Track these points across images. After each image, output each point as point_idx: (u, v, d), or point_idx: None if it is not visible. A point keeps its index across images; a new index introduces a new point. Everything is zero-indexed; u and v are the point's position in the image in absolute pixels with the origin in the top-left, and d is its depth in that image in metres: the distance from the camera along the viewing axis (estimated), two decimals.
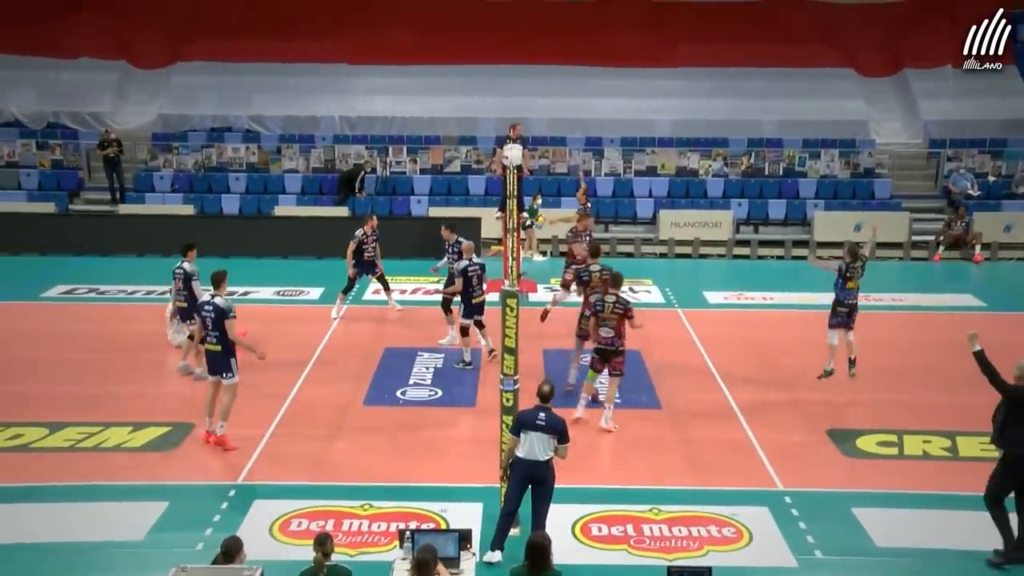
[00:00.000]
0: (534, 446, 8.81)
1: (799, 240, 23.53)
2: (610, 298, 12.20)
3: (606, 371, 12.36)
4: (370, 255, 17.03)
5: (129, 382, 13.92)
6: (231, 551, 7.47)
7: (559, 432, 8.87)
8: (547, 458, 8.85)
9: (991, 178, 24.94)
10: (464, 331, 14.54)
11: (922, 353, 15.46)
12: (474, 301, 14.41)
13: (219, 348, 11.46)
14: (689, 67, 27.06)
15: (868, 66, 27.65)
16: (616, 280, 12.33)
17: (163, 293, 15.90)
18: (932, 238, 23.17)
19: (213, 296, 11.51)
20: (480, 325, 14.71)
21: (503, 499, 9.19)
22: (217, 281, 11.61)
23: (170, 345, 15.16)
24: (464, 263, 14.35)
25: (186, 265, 13.90)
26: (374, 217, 17.44)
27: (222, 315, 11.33)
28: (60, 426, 12.06)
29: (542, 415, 8.87)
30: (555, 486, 8.94)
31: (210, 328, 11.48)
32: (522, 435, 8.85)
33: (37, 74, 26.65)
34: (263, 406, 12.60)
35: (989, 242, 22.93)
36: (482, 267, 14.53)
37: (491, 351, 14.61)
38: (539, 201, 21.46)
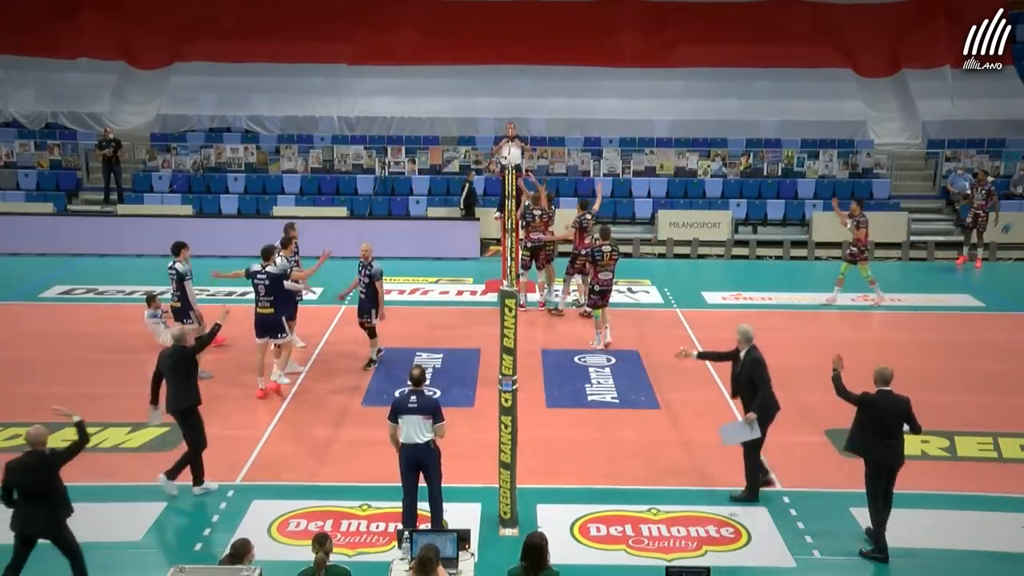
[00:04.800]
0: (410, 430, 9.17)
1: (798, 240, 23.53)
2: (607, 248, 14.78)
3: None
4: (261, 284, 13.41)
5: (128, 382, 13.87)
6: (239, 552, 7.50)
7: (432, 412, 9.20)
8: (426, 440, 9.17)
9: (989, 178, 24.90)
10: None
11: (920, 353, 15.45)
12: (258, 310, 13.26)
13: (272, 311, 12.72)
14: (688, 67, 27.01)
15: (867, 66, 27.62)
16: (606, 232, 15.26)
17: (162, 293, 15.88)
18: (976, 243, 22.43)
19: (264, 266, 12.94)
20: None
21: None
22: (267, 254, 13.11)
23: (160, 344, 15.18)
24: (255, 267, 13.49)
25: (178, 265, 13.87)
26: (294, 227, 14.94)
27: (279, 277, 12.86)
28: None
29: (413, 398, 9.23)
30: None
31: (262, 294, 12.90)
32: (400, 420, 9.20)
33: (36, 74, 26.58)
34: (261, 406, 12.59)
35: (988, 242, 22.92)
36: (269, 276, 13.12)
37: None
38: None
